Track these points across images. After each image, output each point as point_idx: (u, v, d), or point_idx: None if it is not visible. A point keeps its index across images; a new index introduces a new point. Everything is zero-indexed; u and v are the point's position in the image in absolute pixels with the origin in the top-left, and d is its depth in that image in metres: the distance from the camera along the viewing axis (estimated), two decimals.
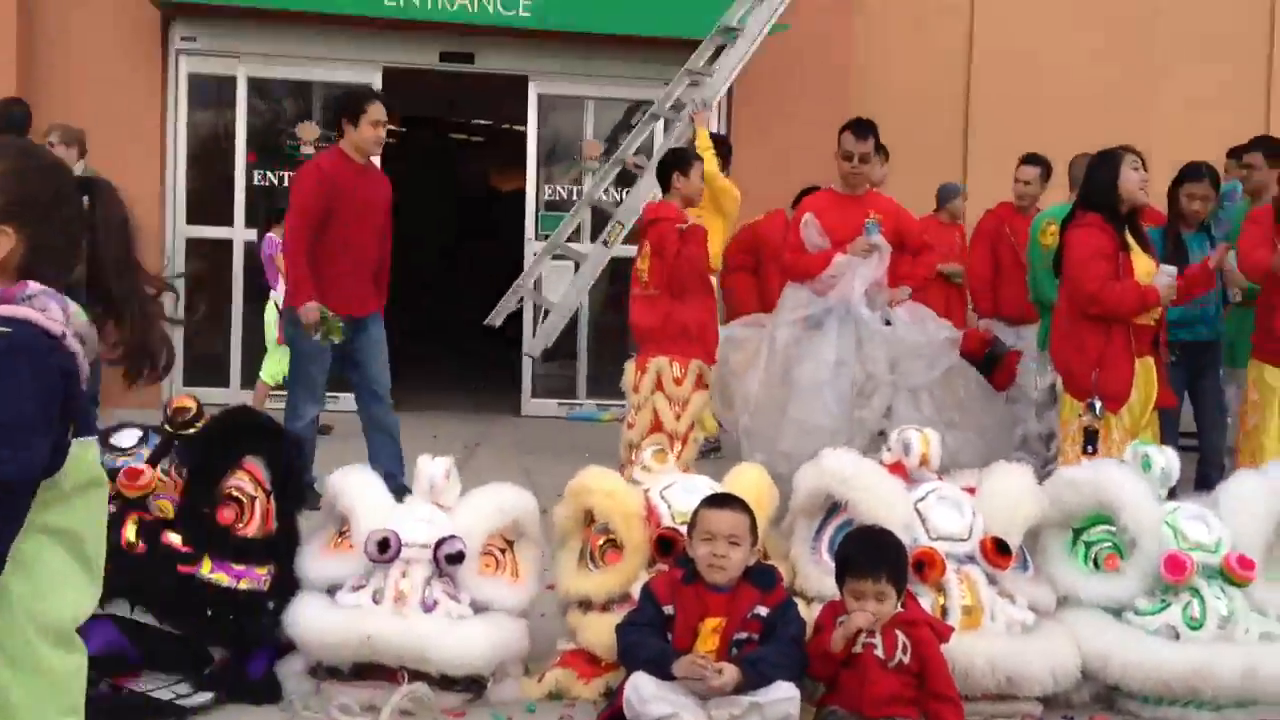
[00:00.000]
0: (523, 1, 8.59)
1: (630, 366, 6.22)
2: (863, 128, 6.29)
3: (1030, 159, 7.72)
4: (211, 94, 8.93)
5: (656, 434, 5.79)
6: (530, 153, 9.34)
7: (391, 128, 8.75)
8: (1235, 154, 7.53)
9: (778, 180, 8.41)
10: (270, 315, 7.93)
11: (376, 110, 5.97)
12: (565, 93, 9.44)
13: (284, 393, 7.64)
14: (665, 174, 6.43)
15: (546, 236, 8.91)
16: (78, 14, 8.51)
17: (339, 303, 5.89)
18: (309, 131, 8.93)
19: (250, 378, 8.37)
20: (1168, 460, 4.32)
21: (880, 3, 10.79)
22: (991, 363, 7.12)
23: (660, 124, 8.50)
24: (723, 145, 7.87)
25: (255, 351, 8.40)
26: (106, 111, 8.36)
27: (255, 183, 8.86)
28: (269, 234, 7.88)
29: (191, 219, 8.87)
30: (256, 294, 8.51)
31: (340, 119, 6.02)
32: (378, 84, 8.77)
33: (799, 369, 5.96)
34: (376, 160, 6.39)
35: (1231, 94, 11.74)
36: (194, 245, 8.93)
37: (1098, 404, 5.26)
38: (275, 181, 8.84)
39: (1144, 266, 5.38)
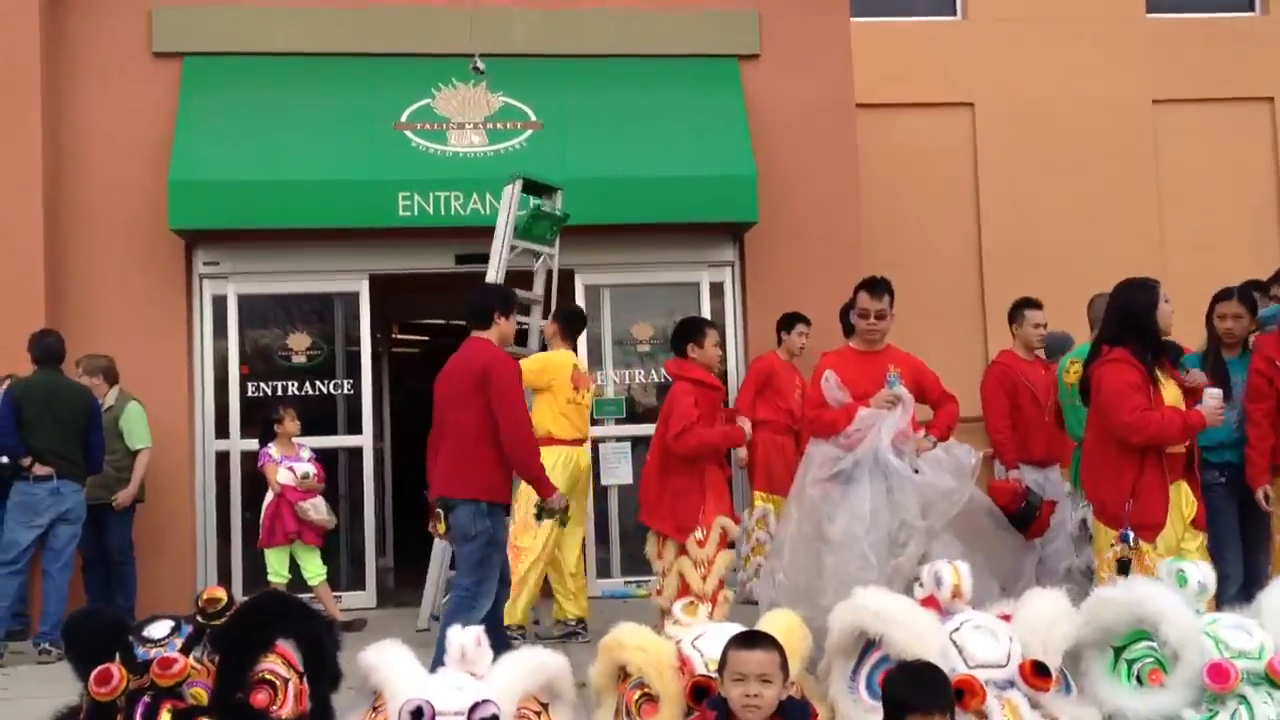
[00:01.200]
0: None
1: (652, 535, 6.25)
2: (877, 286, 6.42)
3: (1037, 303, 7.81)
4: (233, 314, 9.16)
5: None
6: (581, 346, 9.41)
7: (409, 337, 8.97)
8: (1258, 286, 7.46)
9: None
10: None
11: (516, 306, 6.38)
12: (613, 282, 9.55)
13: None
14: (680, 344, 6.59)
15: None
16: (100, 242, 8.88)
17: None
18: (300, 342, 9.19)
19: (253, 580, 8.43)
20: (1203, 574, 4.30)
21: (884, 162, 11.19)
22: (1027, 516, 7.11)
23: None
24: (574, 318, 8.06)
25: (253, 557, 8.53)
26: (134, 337, 8.68)
27: (249, 394, 9.07)
28: (264, 448, 8.16)
29: (220, 434, 9.06)
30: (251, 502, 8.70)
31: (493, 311, 6.19)
32: (365, 292, 9.15)
33: (833, 525, 5.95)
34: None
35: (1242, 234, 11.95)
36: (220, 458, 9.09)
37: (1130, 534, 5.27)
38: (268, 392, 9.08)
39: (1172, 394, 5.45)
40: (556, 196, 8.31)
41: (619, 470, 9.30)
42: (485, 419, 5.90)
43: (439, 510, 6.02)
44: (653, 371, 9.49)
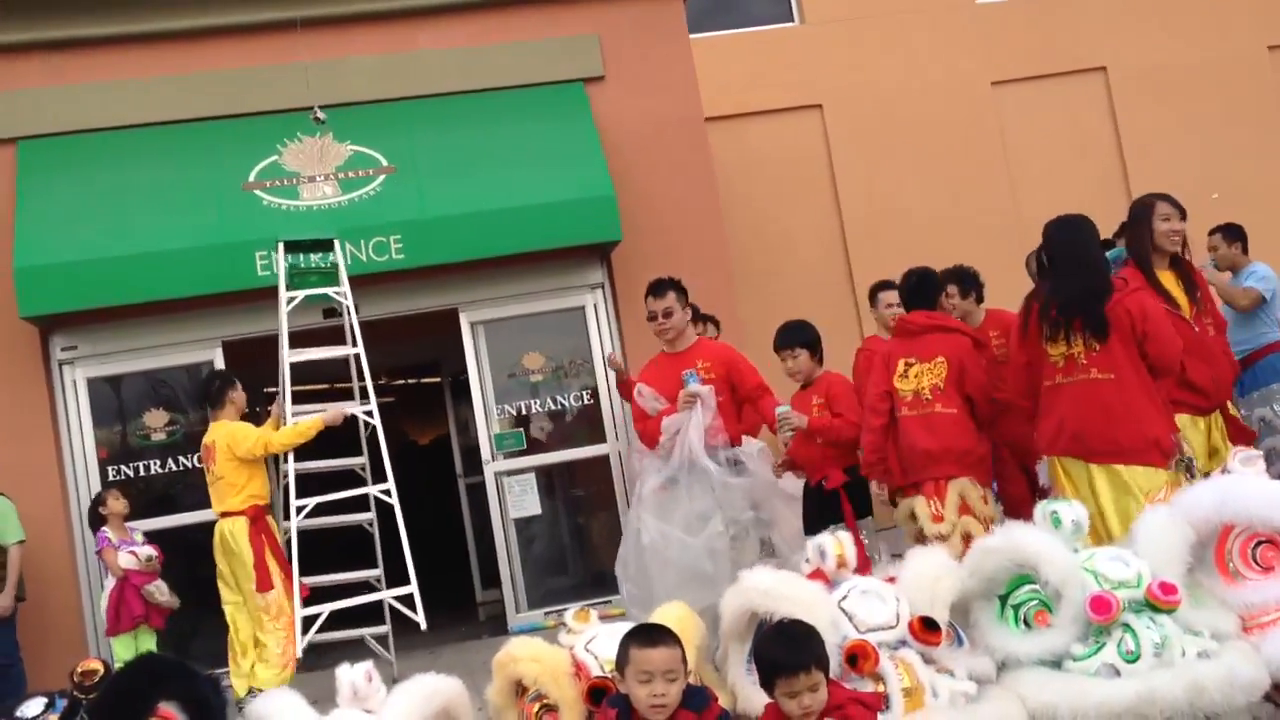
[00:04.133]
0: (394, 245, 8.79)
1: (918, 498, 5.85)
2: (658, 286, 6.63)
3: (890, 285, 7.91)
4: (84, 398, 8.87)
5: None
6: (474, 381, 9.37)
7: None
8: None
9: None
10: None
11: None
12: (493, 316, 9.43)
13: None
14: (931, 296, 6.58)
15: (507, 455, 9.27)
16: None
17: None
18: (158, 419, 8.96)
19: None
20: (1076, 514, 4.38)
21: (742, 170, 11.35)
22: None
23: None
24: (208, 381, 7.95)
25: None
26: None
27: (110, 479, 8.77)
28: (100, 533, 7.88)
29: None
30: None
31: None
32: (219, 360, 8.89)
33: (668, 529, 6.01)
34: None
35: (1093, 197, 12.28)
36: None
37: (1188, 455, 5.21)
38: (130, 474, 8.84)
39: None
40: (334, 249, 8.24)
41: (524, 502, 9.23)
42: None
43: None
44: (548, 401, 9.43)
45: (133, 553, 7.78)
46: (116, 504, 7.96)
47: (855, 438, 5.85)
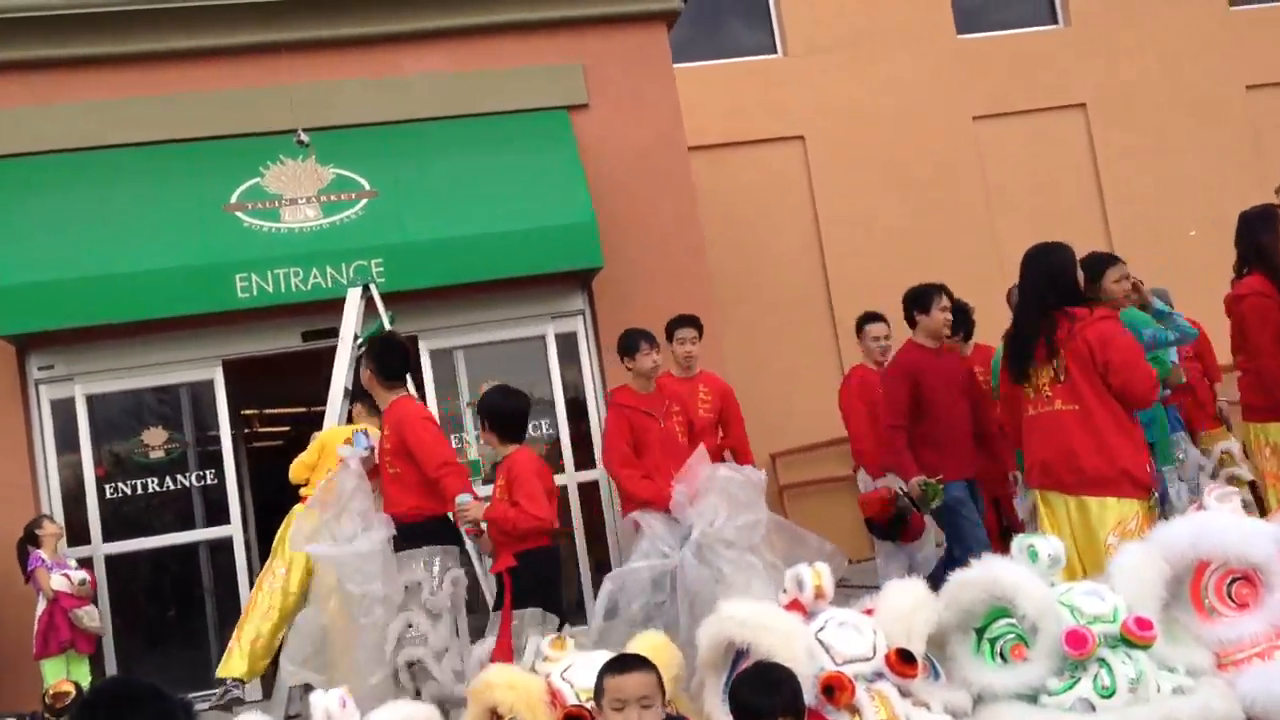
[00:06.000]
0: (375, 269, 8.76)
1: None
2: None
3: (877, 317, 7.92)
4: (83, 415, 8.83)
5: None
6: (432, 407, 9.29)
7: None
8: None
9: None
10: None
11: (943, 299, 6.91)
12: (458, 344, 9.41)
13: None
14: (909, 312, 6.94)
15: None
16: None
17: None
18: (156, 437, 8.92)
19: None
20: (1052, 548, 4.39)
21: (725, 199, 11.42)
22: (899, 523, 7.21)
23: None
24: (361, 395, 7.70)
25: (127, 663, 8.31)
26: None
27: (108, 497, 8.75)
28: (34, 553, 7.83)
29: (77, 540, 8.64)
30: (120, 608, 8.51)
31: (913, 312, 6.88)
32: (219, 378, 8.88)
33: None
34: None
35: (1071, 229, 12.37)
36: (82, 565, 8.67)
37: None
38: (127, 492, 8.80)
39: None
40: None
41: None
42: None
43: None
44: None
45: (65, 575, 7.75)
46: (52, 527, 7.98)
47: (530, 529, 5.62)
